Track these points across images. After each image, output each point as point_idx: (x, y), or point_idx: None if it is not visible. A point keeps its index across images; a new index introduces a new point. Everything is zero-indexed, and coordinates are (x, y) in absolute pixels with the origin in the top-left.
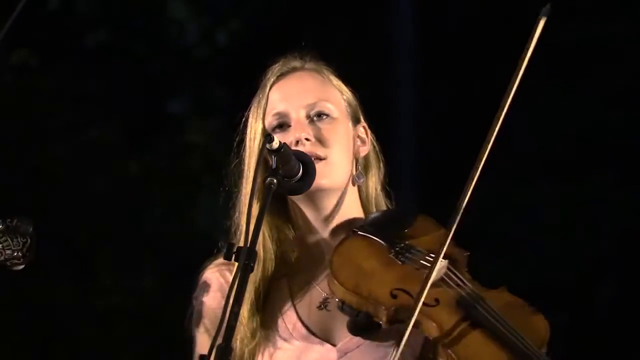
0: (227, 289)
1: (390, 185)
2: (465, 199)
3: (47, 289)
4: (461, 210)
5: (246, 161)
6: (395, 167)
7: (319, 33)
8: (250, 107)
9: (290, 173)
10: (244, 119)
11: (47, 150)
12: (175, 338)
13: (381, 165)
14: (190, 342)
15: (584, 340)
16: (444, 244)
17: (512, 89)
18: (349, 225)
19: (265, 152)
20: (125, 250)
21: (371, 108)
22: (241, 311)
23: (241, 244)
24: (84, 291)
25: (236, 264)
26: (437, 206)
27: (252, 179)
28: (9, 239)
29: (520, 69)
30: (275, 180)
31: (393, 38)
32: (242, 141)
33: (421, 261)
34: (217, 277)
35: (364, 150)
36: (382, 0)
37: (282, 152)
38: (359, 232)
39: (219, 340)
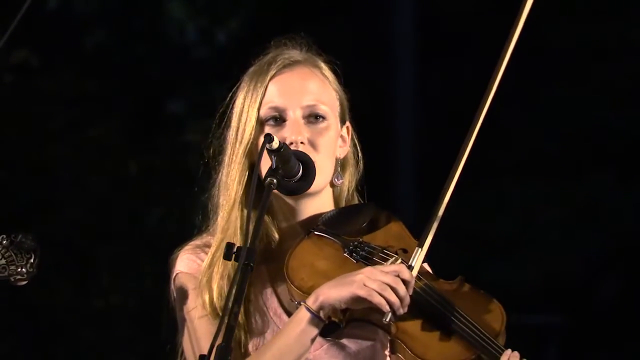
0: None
1: (389, 183)
2: (445, 198)
3: (47, 289)
4: (440, 209)
5: (230, 140)
6: (395, 165)
7: (318, 31)
8: (242, 85)
9: (290, 173)
10: (231, 94)
11: (47, 150)
12: (175, 338)
13: (360, 165)
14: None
15: (584, 340)
16: (421, 253)
17: (500, 67)
18: (316, 221)
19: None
20: (125, 250)
21: (370, 107)
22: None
23: (219, 229)
24: (84, 291)
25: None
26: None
27: (239, 178)
28: (13, 255)
29: (508, 47)
30: (275, 180)
31: (393, 37)
32: (224, 113)
33: (374, 258)
34: (193, 258)
35: (344, 150)
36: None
37: (282, 152)
38: (315, 232)
39: (219, 340)
